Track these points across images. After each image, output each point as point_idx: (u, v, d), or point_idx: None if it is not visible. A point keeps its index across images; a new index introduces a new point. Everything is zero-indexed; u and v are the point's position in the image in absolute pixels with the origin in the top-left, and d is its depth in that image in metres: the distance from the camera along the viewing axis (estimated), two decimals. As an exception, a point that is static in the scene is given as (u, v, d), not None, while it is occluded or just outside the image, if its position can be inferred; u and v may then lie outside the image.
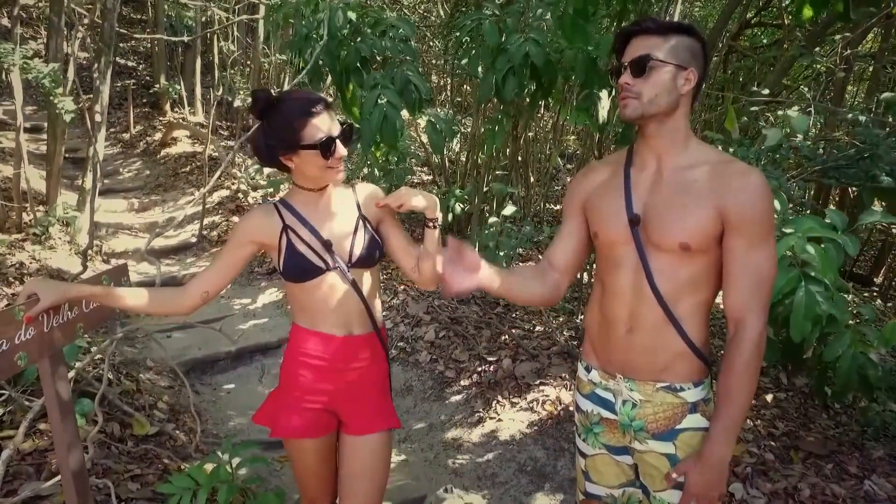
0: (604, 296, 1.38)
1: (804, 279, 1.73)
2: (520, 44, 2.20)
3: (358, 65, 2.37)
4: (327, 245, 1.45)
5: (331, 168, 1.40)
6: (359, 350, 1.52)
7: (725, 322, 1.25)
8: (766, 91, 2.96)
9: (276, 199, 1.52)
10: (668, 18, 2.54)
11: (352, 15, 2.46)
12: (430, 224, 1.48)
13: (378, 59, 2.48)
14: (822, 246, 1.79)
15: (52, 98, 3.63)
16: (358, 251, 1.47)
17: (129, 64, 10.86)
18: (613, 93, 3.36)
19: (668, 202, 1.25)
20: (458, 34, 2.69)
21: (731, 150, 2.63)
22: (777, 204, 1.93)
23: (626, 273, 1.31)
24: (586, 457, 1.48)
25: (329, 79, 2.71)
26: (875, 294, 5.31)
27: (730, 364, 1.20)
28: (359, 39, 2.37)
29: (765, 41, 6.14)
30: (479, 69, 2.43)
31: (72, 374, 1.99)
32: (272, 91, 1.43)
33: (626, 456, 1.41)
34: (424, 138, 6.04)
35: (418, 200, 1.44)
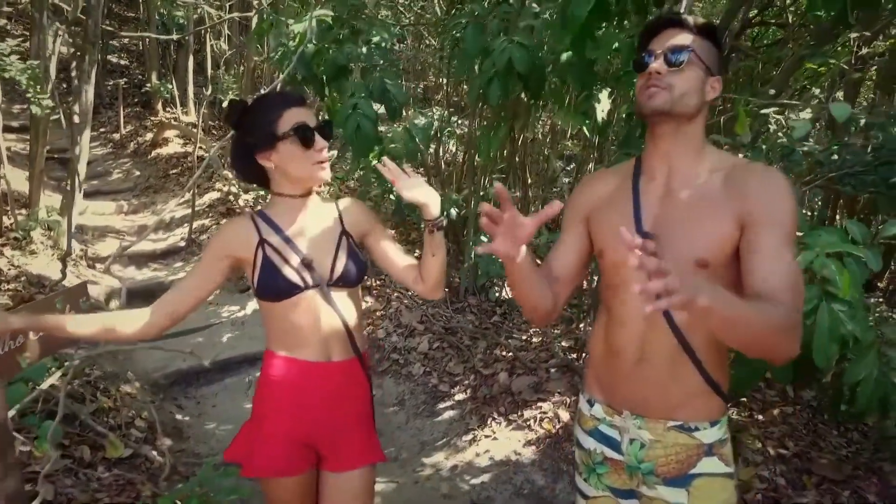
0: (610, 323, 1.24)
1: (825, 297, 1.59)
2: (503, 48, 2.08)
3: (337, 73, 2.27)
4: (306, 261, 1.32)
5: (315, 164, 1.28)
6: (339, 377, 1.38)
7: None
8: (773, 92, 2.82)
9: (255, 210, 1.40)
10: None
11: (322, 26, 2.34)
12: (430, 227, 1.34)
13: (356, 66, 2.37)
14: (843, 261, 1.66)
15: (29, 95, 3.49)
16: (339, 269, 1.34)
17: (122, 62, 10.69)
18: (614, 94, 3.23)
19: (681, 215, 1.11)
20: (453, 33, 2.56)
21: (740, 154, 2.49)
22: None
23: (636, 297, 1.17)
24: (588, 498, 1.34)
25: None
26: (880, 300, 5.20)
27: (760, 302, 0.97)
28: (335, 48, 2.27)
29: (765, 41, 6.02)
30: (476, 70, 2.31)
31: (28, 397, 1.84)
32: (247, 100, 1.33)
33: (633, 500, 1.27)
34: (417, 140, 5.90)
35: (415, 193, 1.31)
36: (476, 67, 2.38)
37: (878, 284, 5.63)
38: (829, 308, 1.57)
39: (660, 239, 1.12)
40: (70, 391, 2.53)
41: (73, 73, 4.61)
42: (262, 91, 1.38)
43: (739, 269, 1.08)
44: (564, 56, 2.35)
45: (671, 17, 1.15)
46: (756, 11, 5.12)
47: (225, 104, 7.99)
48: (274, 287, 1.30)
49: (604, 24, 1.98)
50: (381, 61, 2.25)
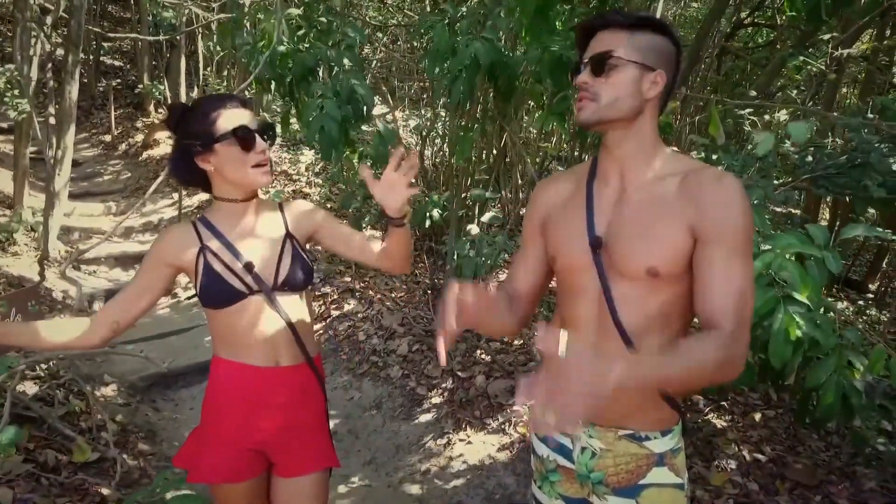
0: (562, 327, 1.22)
1: (783, 300, 1.57)
2: (467, 44, 2.06)
3: (304, 75, 2.25)
4: (249, 266, 1.30)
5: (255, 167, 1.25)
6: (288, 383, 1.36)
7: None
8: (754, 93, 2.81)
9: (196, 216, 1.37)
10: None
11: (292, 25, 2.32)
12: (395, 221, 1.30)
13: (324, 68, 2.35)
14: (805, 263, 1.65)
15: (6, 98, 3.48)
16: (284, 273, 1.32)
17: (115, 63, 10.66)
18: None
19: (634, 222, 1.08)
20: (425, 32, 2.54)
21: (715, 156, 2.47)
22: (756, 218, 1.78)
23: (588, 303, 1.14)
24: (542, 506, 1.32)
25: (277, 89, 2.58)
26: (870, 301, 5.16)
27: (696, 340, 0.97)
28: (303, 49, 2.25)
29: (759, 42, 6.01)
30: (436, 71, 2.29)
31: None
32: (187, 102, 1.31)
33: (585, 510, 1.25)
34: (408, 139, 5.88)
35: (397, 194, 1.25)
36: (446, 67, 2.36)
37: (870, 286, 5.61)
38: (785, 311, 1.56)
39: (612, 245, 1.10)
40: (39, 394, 2.51)
41: (49, 75, 4.58)
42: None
43: (691, 278, 1.06)
44: (537, 53, 2.33)
45: (595, 20, 1.10)
46: (748, 12, 5.13)
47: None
48: (217, 294, 1.28)
49: (564, 6, 1.96)
50: (349, 63, 2.23)
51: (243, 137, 1.23)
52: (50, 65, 4.25)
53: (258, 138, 1.25)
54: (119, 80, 9.76)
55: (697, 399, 2.87)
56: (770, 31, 5.58)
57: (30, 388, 2.55)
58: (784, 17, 4.35)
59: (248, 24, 2.67)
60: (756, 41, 6.09)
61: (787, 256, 1.58)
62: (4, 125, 7.62)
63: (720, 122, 2.24)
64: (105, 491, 2.06)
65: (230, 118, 1.24)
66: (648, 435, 1.14)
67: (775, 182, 2.38)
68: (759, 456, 2.44)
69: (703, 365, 0.93)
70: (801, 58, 2.55)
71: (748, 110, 2.49)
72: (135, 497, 1.69)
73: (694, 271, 1.04)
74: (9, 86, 3.47)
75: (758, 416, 2.84)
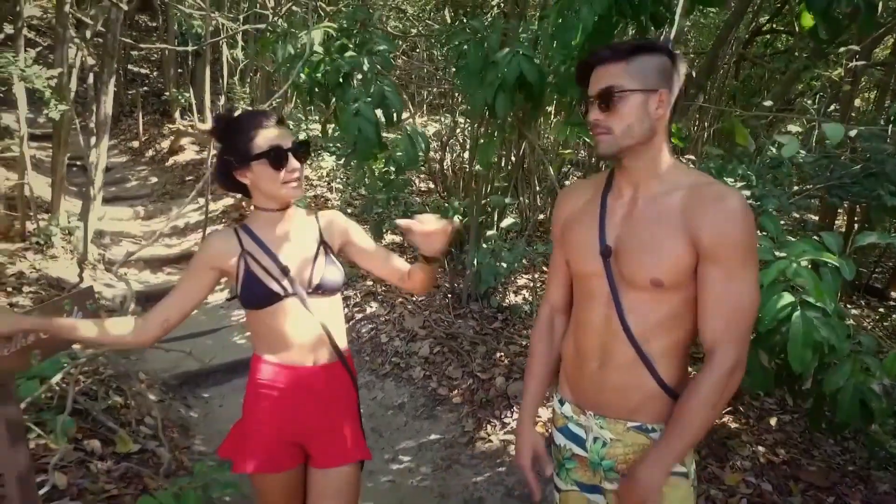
0: (576, 328, 1.32)
1: (800, 305, 1.64)
2: (510, 60, 2.15)
3: (340, 81, 2.37)
4: (285, 271, 1.40)
5: (286, 183, 1.36)
6: (322, 380, 1.47)
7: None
8: (769, 103, 2.86)
9: (239, 223, 1.49)
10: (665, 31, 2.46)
11: (323, 36, 2.45)
12: (428, 260, 1.42)
13: (359, 74, 2.47)
14: (820, 270, 1.71)
15: (51, 103, 3.67)
16: (317, 278, 1.43)
17: (142, 72, 10.98)
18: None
19: (641, 234, 1.17)
20: (455, 45, 2.63)
21: (730, 165, 2.54)
22: (771, 225, 1.85)
23: (598, 307, 1.24)
24: (560, 492, 1.43)
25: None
26: (892, 308, 5.13)
27: (690, 393, 1.13)
28: (338, 58, 2.38)
29: (780, 46, 6.01)
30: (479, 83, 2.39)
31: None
32: (232, 113, 1.41)
33: (598, 495, 1.34)
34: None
35: (434, 243, 1.33)
36: (480, 80, 2.45)
37: (892, 293, 5.57)
38: (802, 315, 1.62)
39: (620, 255, 1.20)
40: (84, 389, 2.65)
41: (85, 85, 4.78)
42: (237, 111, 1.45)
43: (696, 288, 1.15)
44: (563, 67, 2.42)
45: (591, 59, 1.18)
46: (767, 18, 5.15)
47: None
48: (256, 296, 1.39)
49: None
50: (381, 69, 2.34)
51: (277, 157, 1.33)
52: (91, 75, 4.44)
53: (291, 158, 1.35)
54: (146, 88, 10.05)
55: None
56: (789, 37, 5.59)
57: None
58: (798, 25, 4.38)
59: (283, 36, 2.80)
60: (775, 47, 6.10)
61: (803, 263, 1.64)
62: (38, 132, 7.92)
63: (745, 132, 2.29)
64: (149, 480, 2.19)
65: (266, 137, 1.34)
66: (654, 427, 1.23)
67: (790, 191, 2.44)
68: (774, 458, 2.49)
69: (709, 410, 1.11)
70: (816, 68, 2.60)
71: (762, 121, 2.55)
72: (178, 483, 1.82)
73: (697, 288, 1.14)
74: (52, 92, 3.67)
75: (773, 421, 2.88)
